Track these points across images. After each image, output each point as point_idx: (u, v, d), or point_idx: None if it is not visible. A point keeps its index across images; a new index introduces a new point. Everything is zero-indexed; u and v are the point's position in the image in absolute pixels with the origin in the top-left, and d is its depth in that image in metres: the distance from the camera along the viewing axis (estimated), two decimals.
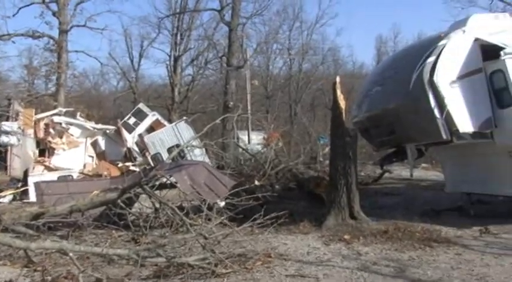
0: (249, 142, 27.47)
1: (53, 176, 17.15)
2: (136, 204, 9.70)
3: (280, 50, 42.56)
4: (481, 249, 8.16)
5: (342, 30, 63.51)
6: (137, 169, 17.41)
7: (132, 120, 22.81)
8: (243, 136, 29.63)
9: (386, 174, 17.41)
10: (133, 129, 22.42)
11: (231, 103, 26.09)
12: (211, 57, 37.64)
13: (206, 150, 17.62)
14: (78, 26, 29.47)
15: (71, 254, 6.33)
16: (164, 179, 10.02)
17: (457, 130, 9.12)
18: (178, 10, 35.53)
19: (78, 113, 23.06)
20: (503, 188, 10.29)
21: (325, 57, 44.85)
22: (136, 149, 21.80)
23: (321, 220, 9.79)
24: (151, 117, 23.17)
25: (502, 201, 11.88)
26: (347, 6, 79.41)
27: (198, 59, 38.59)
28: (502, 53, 9.03)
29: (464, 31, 9.55)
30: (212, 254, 6.88)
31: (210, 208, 8.42)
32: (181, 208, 8.69)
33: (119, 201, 8.79)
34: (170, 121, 25.95)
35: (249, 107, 31.30)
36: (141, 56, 40.44)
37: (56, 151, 19.83)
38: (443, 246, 8.21)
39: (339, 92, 10.11)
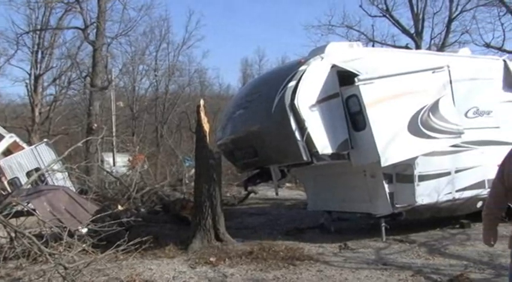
0: (114, 164, 26.82)
1: None
2: None
3: (147, 70, 42.08)
4: (340, 264, 8.50)
5: (208, 53, 64.28)
6: None
7: None
8: (108, 158, 28.88)
9: (252, 195, 17.69)
10: None
11: (95, 125, 25.30)
12: (75, 76, 36.24)
13: (68, 174, 16.93)
14: None
15: None
16: (21, 206, 9.47)
17: (317, 152, 9.44)
18: (39, 26, 33.88)
19: None
20: (360, 205, 10.87)
21: (192, 79, 45.11)
22: None
23: (187, 243, 9.69)
24: (8, 139, 21.73)
25: (360, 218, 12.55)
26: (213, 29, 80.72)
27: (61, 78, 36.91)
28: (356, 79, 9.55)
29: (322, 58, 9.95)
30: None
31: (71, 235, 8.06)
32: (40, 236, 8.21)
33: None
34: (30, 143, 24.62)
35: (114, 129, 30.59)
36: None
37: None
38: (305, 264, 8.42)
39: (202, 114, 10.14)
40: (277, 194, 13.21)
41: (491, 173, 4.00)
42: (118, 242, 7.82)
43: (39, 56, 34.56)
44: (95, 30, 27.43)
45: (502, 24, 25.23)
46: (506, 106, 11.84)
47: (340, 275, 7.77)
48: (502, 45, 24.51)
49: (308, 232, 11.63)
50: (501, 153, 3.98)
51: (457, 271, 7.56)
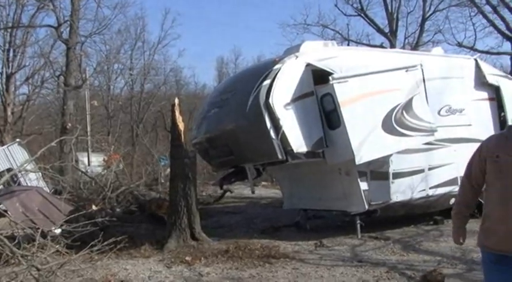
0: (89, 164, 26.59)
1: None
2: None
3: (122, 69, 41.71)
4: (316, 262, 8.56)
5: (184, 51, 63.91)
6: None
7: None
8: (83, 158, 28.62)
9: (228, 194, 17.67)
10: None
11: (69, 124, 25.04)
12: (48, 75, 35.69)
13: (42, 174, 16.72)
14: None
15: None
16: None
17: (292, 150, 9.47)
18: (10, 24, 33.23)
19: None
20: (336, 203, 10.93)
21: (167, 78, 44.87)
22: None
23: (163, 242, 9.65)
24: None
25: (335, 215, 12.63)
26: (189, 28, 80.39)
27: (34, 77, 36.23)
28: (330, 78, 9.61)
29: (297, 56, 9.99)
30: None
31: (44, 236, 7.97)
32: (12, 238, 8.09)
33: None
34: (2, 143, 24.26)
35: (88, 128, 30.31)
36: None
37: None
38: (281, 262, 8.46)
39: (177, 113, 10.12)
40: (253, 192, 13.23)
41: (463, 170, 4.03)
42: (92, 242, 7.75)
43: (11, 54, 33.87)
44: (68, 29, 27.13)
45: (474, 24, 25.72)
46: (478, 104, 12.03)
47: (315, 272, 7.82)
48: (474, 44, 24.93)
49: (284, 230, 11.66)
50: (473, 150, 4.02)
51: (431, 267, 7.67)
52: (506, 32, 23.69)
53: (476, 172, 3.80)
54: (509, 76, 14.50)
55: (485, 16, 24.28)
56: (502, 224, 3.57)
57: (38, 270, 6.63)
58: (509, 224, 3.53)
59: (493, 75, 12.40)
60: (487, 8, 24.06)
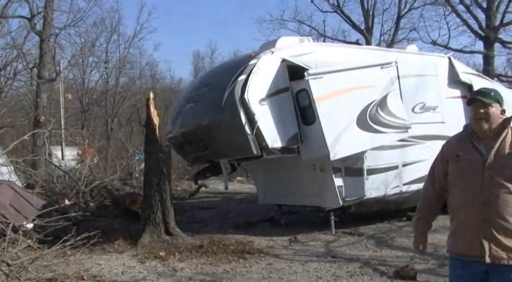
0: (62, 158, 26.27)
1: None
2: None
3: (97, 63, 41.16)
4: (290, 257, 8.60)
5: (159, 45, 63.40)
6: None
7: None
8: (57, 152, 28.24)
9: (203, 189, 17.62)
10: None
11: (43, 117, 24.66)
12: (21, 68, 35.07)
13: (14, 168, 16.47)
14: None
15: None
16: None
17: (267, 145, 9.49)
18: None
19: None
20: (310, 199, 10.98)
21: (143, 72, 44.44)
22: None
23: (137, 237, 9.60)
24: None
25: (310, 211, 12.69)
26: (165, 21, 79.95)
27: (6, 69, 35.62)
28: (306, 73, 9.64)
29: (272, 52, 10.00)
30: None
31: (15, 231, 7.83)
32: None
33: None
34: None
35: (62, 122, 29.93)
36: None
37: None
38: (255, 257, 8.49)
39: (152, 108, 10.06)
40: (226, 188, 13.22)
41: None
42: (65, 237, 7.65)
43: None
44: (42, 20, 26.67)
45: (448, 23, 26.29)
46: (451, 102, 12.16)
47: (289, 268, 7.85)
48: (448, 43, 25.40)
49: (258, 225, 11.69)
50: None
51: (403, 262, 7.76)
52: (479, 31, 24.11)
53: (439, 174, 3.75)
54: (482, 75, 14.76)
55: (458, 15, 24.72)
56: (468, 225, 3.53)
57: (9, 265, 6.51)
58: (474, 225, 3.48)
59: (466, 74, 12.57)
60: (461, 7, 24.54)
